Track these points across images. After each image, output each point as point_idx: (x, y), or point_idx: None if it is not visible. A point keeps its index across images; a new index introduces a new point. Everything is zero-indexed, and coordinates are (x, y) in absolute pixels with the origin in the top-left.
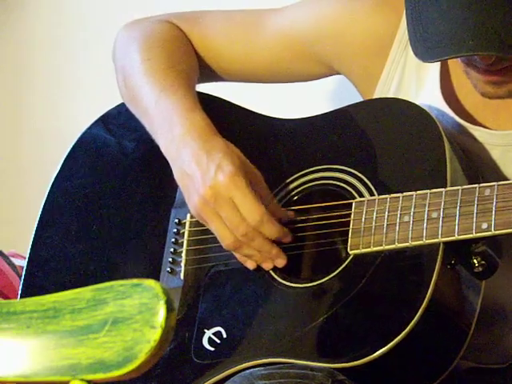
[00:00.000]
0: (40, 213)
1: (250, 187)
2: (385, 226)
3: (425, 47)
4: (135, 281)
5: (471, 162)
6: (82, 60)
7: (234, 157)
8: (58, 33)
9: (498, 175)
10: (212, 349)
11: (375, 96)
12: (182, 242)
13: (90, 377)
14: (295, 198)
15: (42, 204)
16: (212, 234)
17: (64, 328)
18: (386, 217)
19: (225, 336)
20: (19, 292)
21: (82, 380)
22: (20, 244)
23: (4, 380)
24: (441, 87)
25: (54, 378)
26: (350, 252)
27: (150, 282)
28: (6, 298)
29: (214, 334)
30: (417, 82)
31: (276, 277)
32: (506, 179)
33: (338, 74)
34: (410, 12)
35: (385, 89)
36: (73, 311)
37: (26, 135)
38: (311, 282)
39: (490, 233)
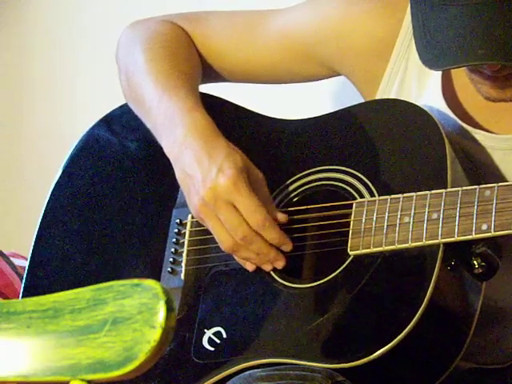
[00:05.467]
0: (42, 213)
1: (251, 190)
2: (385, 226)
3: (432, 55)
4: (135, 281)
5: (472, 163)
6: (82, 60)
7: (236, 158)
8: (58, 33)
9: (499, 178)
10: (212, 349)
11: (377, 97)
12: (183, 243)
13: (90, 377)
14: (296, 198)
15: (45, 204)
16: (212, 234)
17: (64, 328)
18: (386, 218)
19: (225, 336)
20: (20, 292)
21: (82, 380)
22: (20, 244)
23: (4, 380)
24: (442, 90)
25: (54, 378)
26: (350, 253)
27: (150, 282)
28: (6, 298)
29: (214, 334)
30: (418, 85)
31: (276, 277)
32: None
33: (340, 75)
34: (415, 18)
35: (386, 91)
36: (73, 311)
37: (26, 135)
38: (311, 282)
39: (489, 234)
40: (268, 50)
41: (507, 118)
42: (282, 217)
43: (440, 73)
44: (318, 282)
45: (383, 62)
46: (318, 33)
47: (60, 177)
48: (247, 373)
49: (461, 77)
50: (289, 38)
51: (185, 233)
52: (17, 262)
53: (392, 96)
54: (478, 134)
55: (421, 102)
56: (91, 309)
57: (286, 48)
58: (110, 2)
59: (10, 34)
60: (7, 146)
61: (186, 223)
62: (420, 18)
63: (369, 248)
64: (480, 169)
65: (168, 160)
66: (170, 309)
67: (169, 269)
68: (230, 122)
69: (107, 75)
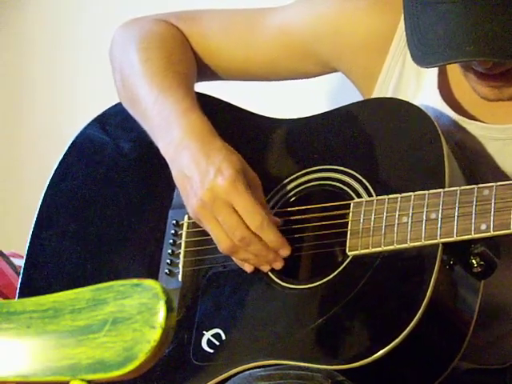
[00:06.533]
0: (36, 214)
1: (249, 191)
2: (383, 227)
3: (422, 52)
4: (135, 281)
5: (469, 161)
6: (82, 60)
7: (233, 160)
8: (58, 33)
9: (497, 170)
10: (211, 351)
11: (374, 94)
12: (180, 244)
13: (90, 377)
14: (293, 198)
15: (39, 205)
16: (210, 235)
17: (64, 328)
18: (384, 218)
19: (224, 338)
20: (17, 293)
21: (82, 380)
22: (20, 244)
23: (4, 380)
24: (438, 85)
25: (54, 378)
26: (349, 253)
27: (149, 282)
28: (6, 298)
29: (212, 335)
30: (416, 80)
31: (275, 278)
32: (505, 174)
33: (337, 71)
34: (407, 16)
35: (384, 86)
36: (73, 311)
37: (26, 135)
38: (310, 283)
39: (488, 233)
40: (266, 47)
41: (503, 110)
42: (276, 221)
43: (436, 69)
44: (317, 283)
45: (381, 57)
46: (315, 30)
47: (53, 177)
48: (247, 372)
49: (456, 73)
50: (286, 35)
51: (181, 234)
52: (17, 262)
53: (390, 91)
54: (475, 126)
55: (418, 98)
56: (91, 309)
57: (284, 45)
58: (110, 2)
59: (9, 34)
60: (7, 146)
61: (182, 224)
62: (411, 15)
63: (367, 248)
64: (477, 161)
65: (163, 160)
66: (169, 309)
67: (166, 270)
68: (226, 122)
69: (107, 75)
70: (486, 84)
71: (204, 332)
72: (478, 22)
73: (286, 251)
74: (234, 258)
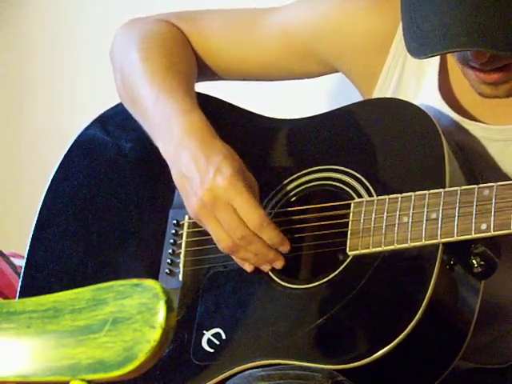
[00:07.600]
0: (37, 214)
1: (249, 190)
2: (384, 226)
3: (418, 43)
4: (135, 281)
5: (469, 161)
6: (82, 60)
7: (233, 160)
8: (58, 33)
9: (497, 171)
10: (211, 350)
11: (375, 94)
12: (181, 244)
13: (90, 377)
14: (294, 198)
15: (40, 205)
16: (210, 235)
17: (64, 328)
18: (384, 218)
19: (224, 337)
20: (17, 293)
21: (82, 380)
22: (20, 244)
23: (4, 380)
24: (439, 84)
25: (54, 378)
26: (349, 253)
27: (149, 282)
28: (6, 298)
29: (213, 335)
30: (416, 80)
31: (275, 278)
32: (506, 175)
33: (337, 71)
34: (404, 9)
35: (384, 86)
36: (73, 311)
37: (26, 135)
38: (310, 283)
39: (489, 234)
40: (266, 47)
41: (503, 110)
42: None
43: (437, 68)
44: (318, 283)
45: (381, 57)
46: (315, 30)
47: (54, 177)
48: (247, 372)
49: (457, 73)
50: (287, 35)
51: (182, 234)
52: (17, 262)
53: (390, 91)
54: (475, 126)
55: (418, 98)
56: (91, 309)
57: (284, 45)
58: (110, 2)
59: (9, 34)
60: (7, 146)
61: (182, 224)
62: (408, 7)
63: (368, 248)
64: (477, 162)
65: (163, 160)
66: (169, 309)
67: (167, 270)
68: (226, 122)
69: (107, 75)
70: (483, 80)
71: (204, 332)
72: (472, 12)
73: (285, 248)
74: (234, 258)
